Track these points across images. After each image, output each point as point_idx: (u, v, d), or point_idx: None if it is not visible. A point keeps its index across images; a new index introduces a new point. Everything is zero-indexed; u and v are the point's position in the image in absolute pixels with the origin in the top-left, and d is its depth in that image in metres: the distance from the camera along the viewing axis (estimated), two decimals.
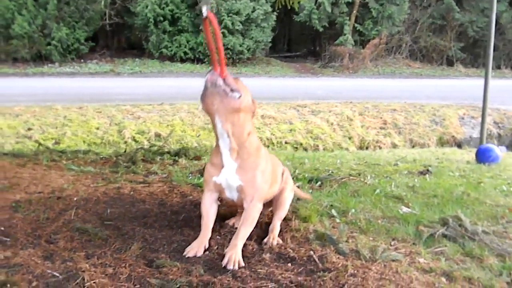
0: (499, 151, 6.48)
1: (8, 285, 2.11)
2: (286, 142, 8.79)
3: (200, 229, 2.70)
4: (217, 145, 2.62)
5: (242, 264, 2.44)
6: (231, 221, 3.04)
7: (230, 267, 2.41)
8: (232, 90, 2.43)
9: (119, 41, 22.53)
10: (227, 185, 2.65)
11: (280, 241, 2.80)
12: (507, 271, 2.56)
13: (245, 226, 2.61)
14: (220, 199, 2.80)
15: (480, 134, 7.25)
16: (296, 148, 8.64)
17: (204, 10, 2.36)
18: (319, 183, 4.35)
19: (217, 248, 2.66)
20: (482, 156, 6.29)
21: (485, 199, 4.05)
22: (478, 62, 23.65)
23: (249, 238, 2.73)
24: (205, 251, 2.59)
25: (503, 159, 6.43)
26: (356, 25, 22.44)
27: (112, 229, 2.87)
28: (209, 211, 2.71)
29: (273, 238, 2.81)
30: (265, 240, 2.80)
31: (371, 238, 2.94)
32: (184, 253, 2.56)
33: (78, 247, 2.59)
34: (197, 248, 2.57)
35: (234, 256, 2.46)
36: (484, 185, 4.70)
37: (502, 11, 22.54)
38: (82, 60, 19.46)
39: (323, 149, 8.71)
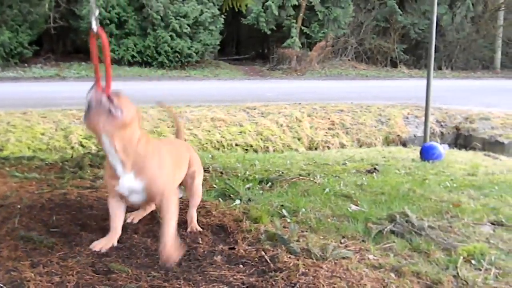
0: (442, 148, 6.68)
1: None
2: (236, 144, 8.78)
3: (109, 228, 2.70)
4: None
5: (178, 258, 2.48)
6: (130, 217, 3.01)
7: (172, 265, 2.43)
8: (115, 108, 2.35)
9: (64, 44, 21.98)
10: (131, 192, 2.58)
11: (200, 229, 2.92)
12: (453, 264, 2.63)
13: (168, 222, 2.56)
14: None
15: (423, 133, 7.44)
16: (247, 150, 8.64)
17: (94, 26, 2.40)
18: (269, 184, 4.37)
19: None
20: (426, 154, 6.47)
21: (430, 195, 4.17)
22: (420, 63, 24.36)
23: (199, 241, 2.73)
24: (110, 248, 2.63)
25: (446, 156, 6.63)
26: (303, 27, 22.77)
27: (58, 236, 2.78)
28: (117, 212, 2.69)
29: (195, 227, 2.93)
30: (188, 230, 2.91)
31: (321, 237, 2.97)
32: (90, 246, 2.60)
33: (22, 256, 2.50)
34: (104, 243, 2.62)
35: (172, 253, 2.48)
36: (429, 182, 4.84)
37: (442, 13, 23.38)
38: (26, 65, 18.89)
39: (273, 150, 8.76)
